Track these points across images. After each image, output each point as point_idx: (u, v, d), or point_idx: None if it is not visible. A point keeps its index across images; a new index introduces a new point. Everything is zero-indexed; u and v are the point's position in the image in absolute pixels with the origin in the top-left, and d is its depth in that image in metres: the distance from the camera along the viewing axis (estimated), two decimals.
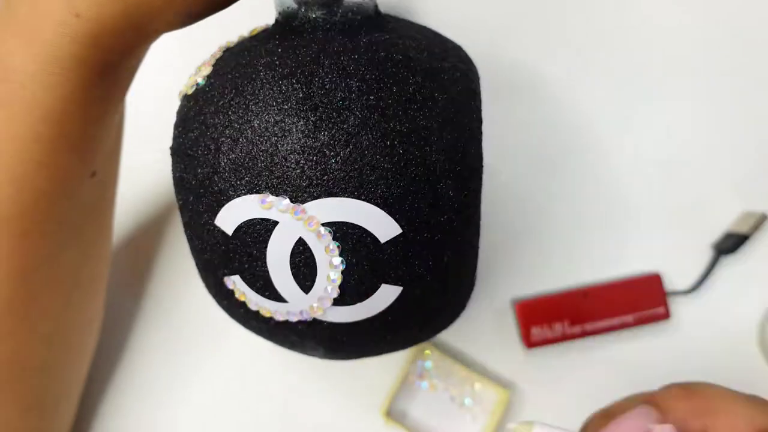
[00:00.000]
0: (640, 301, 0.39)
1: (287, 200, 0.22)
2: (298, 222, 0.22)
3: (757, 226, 0.39)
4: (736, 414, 0.21)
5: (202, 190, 0.23)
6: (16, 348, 0.28)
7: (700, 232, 0.40)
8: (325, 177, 0.21)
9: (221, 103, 0.23)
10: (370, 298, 0.23)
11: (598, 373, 0.39)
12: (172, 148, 0.25)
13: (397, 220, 0.22)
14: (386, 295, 0.23)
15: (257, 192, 0.22)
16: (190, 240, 0.25)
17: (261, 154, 0.22)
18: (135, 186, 0.39)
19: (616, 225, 0.40)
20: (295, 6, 0.24)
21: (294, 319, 0.24)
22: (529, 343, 0.39)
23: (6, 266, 0.26)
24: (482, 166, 0.25)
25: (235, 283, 0.24)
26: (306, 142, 0.21)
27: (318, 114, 0.21)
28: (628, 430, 0.22)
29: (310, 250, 0.22)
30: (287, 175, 0.21)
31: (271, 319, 0.24)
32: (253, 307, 0.24)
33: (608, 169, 0.40)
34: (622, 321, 0.39)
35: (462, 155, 0.23)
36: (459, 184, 0.23)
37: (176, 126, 0.25)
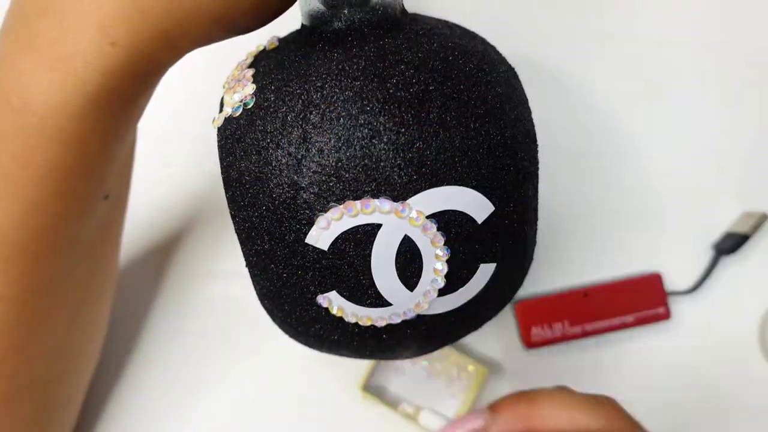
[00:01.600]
0: (640, 301, 0.40)
1: (389, 200, 0.21)
2: (403, 220, 0.21)
3: (757, 226, 0.39)
4: (557, 414, 0.25)
5: (283, 212, 0.22)
6: (23, 363, 0.28)
7: (700, 232, 0.40)
8: (424, 169, 0.21)
9: (290, 117, 0.22)
10: (470, 281, 0.24)
11: (598, 373, 0.39)
12: (227, 178, 0.23)
13: (489, 198, 0.23)
14: (484, 274, 0.24)
15: (355, 198, 0.21)
16: (263, 270, 0.24)
17: (352, 159, 0.21)
18: (139, 198, 0.38)
19: (616, 225, 0.40)
20: (322, 8, 0.24)
21: (397, 320, 0.23)
22: (529, 343, 0.39)
23: (15, 287, 0.25)
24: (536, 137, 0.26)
25: (330, 299, 0.23)
26: (398, 139, 0.21)
27: (402, 109, 0.21)
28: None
29: (416, 246, 0.22)
30: (385, 175, 0.21)
31: (368, 328, 0.24)
32: (350, 319, 0.23)
33: (608, 169, 0.40)
34: (622, 321, 0.39)
35: (526, 127, 0.25)
36: (530, 154, 0.25)
37: (227, 153, 0.23)
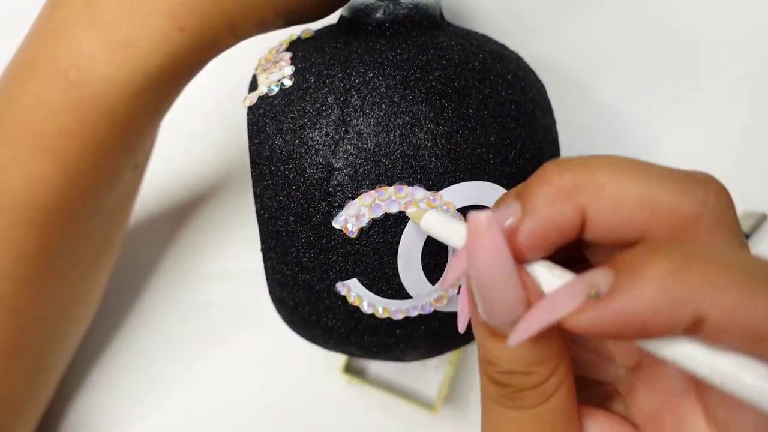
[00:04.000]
0: None
1: (422, 188, 0.21)
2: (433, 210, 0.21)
3: (757, 226, 0.39)
4: (626, 189, 0.15)
5: (314, 192, 0.22)
6: (35, 318, 0.28)
7: None
8: (460, 162, 0.21)
9: (330, 98, 0.22)
10: None
11: None
12: (256, 156, 0.23)
13: None
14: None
15: (388, 184, 0.21)
16: (283, 253, 0.23)
17: (391, 144, 0.21)
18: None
19: None
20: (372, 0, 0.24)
21: (415, 313, 0.23)
22: None
23: (39, 248, 0.26)
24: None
25: (349, 287, 0.23)
26: (438, 129, 0.21)
27: (443, 101, 0.22)
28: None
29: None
30: (422, 164, 0.21)
31: (383, 322, 0.23)
32: (367, 310, 0.23)
33: None
34: None
35: (553, 135, 0.25)
36: None
37: (259, 131, 0.23)
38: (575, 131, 0.39)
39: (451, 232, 0.19)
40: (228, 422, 0.38)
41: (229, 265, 0.38)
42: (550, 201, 0.15)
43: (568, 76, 0.40)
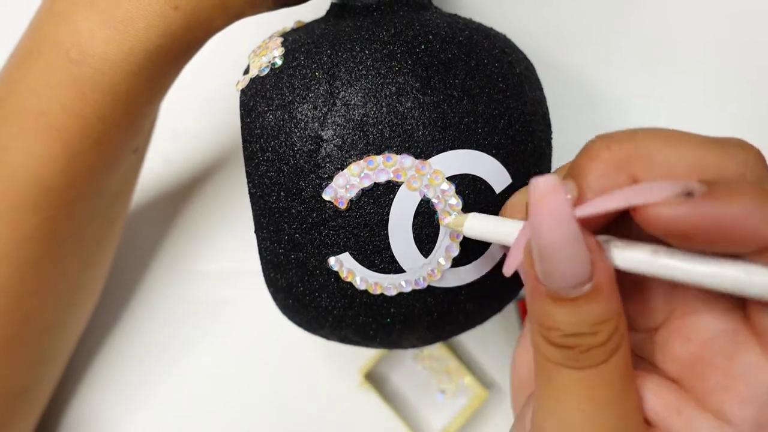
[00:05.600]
0: None
1: (411, 157, 0.22)
2: (423, 178, 0.22)
3: None
4: (674, 155, 0.16)
5: (303, 165, 0.22)
6: (35, 307, 0.28)
7: None
8: (448, 130, 0.22)
9: (318, 73, 0.22)
10: (484, 255, 0.23)
11: None
12: (248, 135, 0.24)
13: (507, 170, 0.23)
14: (497, 249, 0.24)
15: (376, 153, 0.22)
16: (275, 231, 0.24)
17: (378, 114, 0.22)
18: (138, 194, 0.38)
19: None
20: None
21: (408, 288, 0.23)
22: None
23: (42, 231, 0.26)
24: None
25: (341, 262, 0.23)
26: (425, 99, 0.22)
27: (430, 72, 0.22)
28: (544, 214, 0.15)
29: (434, 208, 0.22)
30: (409, 132, 0.22)
31: (377, 299, 0.23)
32: (360, 285, 0.23)
33: None
34: None
35: (543, 110, 0.25)
36: (546, 137, 0.25)
37: (250, 110, 0.24)
38: (574, 128, 0.39)
39: (500, 228, 0.20)
40: (228, 419, 0.38)
41: (232, 263, 0.39)
42: (603, 174, 0.16)
43: (564, 71, 0.40)
